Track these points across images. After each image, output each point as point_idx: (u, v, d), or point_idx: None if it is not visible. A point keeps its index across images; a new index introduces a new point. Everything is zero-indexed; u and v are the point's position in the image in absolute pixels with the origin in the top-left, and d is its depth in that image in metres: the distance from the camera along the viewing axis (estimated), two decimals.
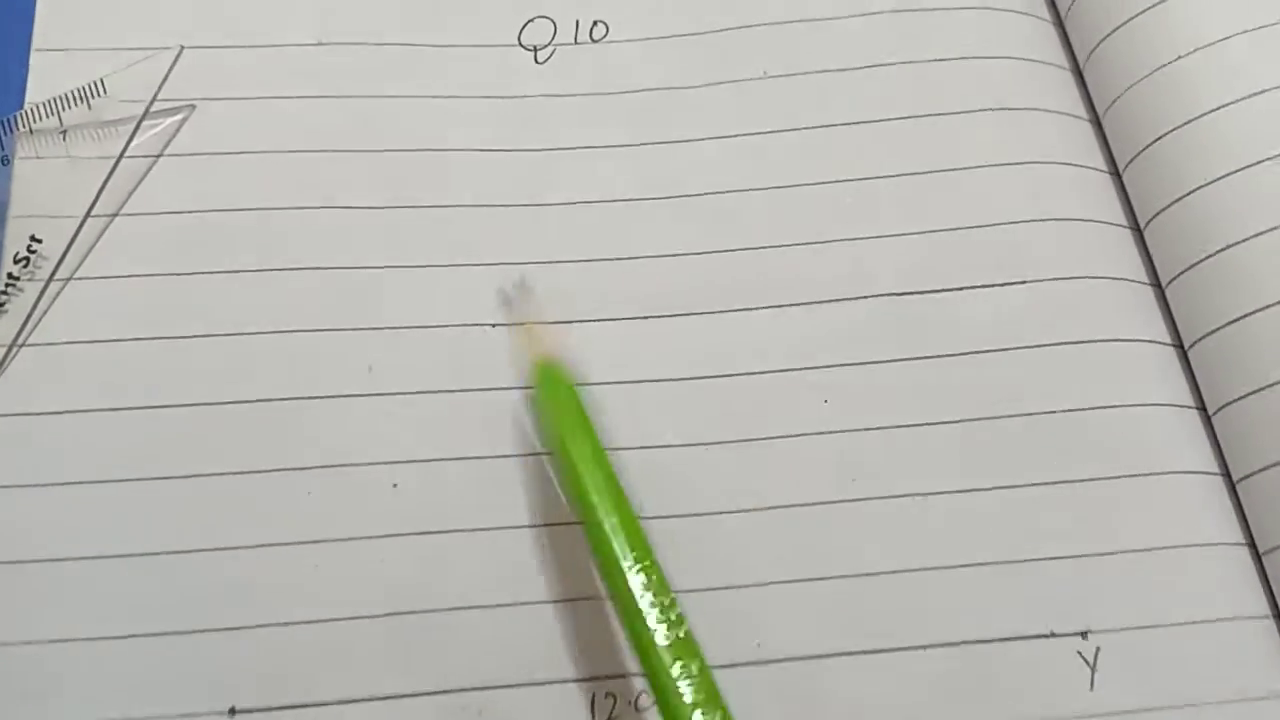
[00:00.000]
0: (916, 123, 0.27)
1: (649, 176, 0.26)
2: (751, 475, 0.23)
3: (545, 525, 0.23)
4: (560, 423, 0.21)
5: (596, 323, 0.25)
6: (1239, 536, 0.23)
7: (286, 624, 0.21)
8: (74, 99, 0.26)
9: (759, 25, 0.28)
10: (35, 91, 0.26)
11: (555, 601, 0.22)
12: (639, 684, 0.21)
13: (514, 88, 0.27)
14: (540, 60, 0.28)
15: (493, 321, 0.25)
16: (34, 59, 0.26)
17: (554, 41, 0.28)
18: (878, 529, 0.23)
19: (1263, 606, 0.23)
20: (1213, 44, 0.26)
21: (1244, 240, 0.24)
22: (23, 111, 0.25)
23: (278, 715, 0.21)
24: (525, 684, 0.21)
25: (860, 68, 0.28)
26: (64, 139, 0.25)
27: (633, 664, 0.21)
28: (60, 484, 0.22)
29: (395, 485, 0.23)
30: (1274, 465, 0.23)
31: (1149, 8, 0.26)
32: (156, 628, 0.21)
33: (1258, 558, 0.23)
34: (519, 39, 0.28)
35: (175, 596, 0.21)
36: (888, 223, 0.26)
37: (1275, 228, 0.24)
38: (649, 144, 0.27)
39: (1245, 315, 0.24)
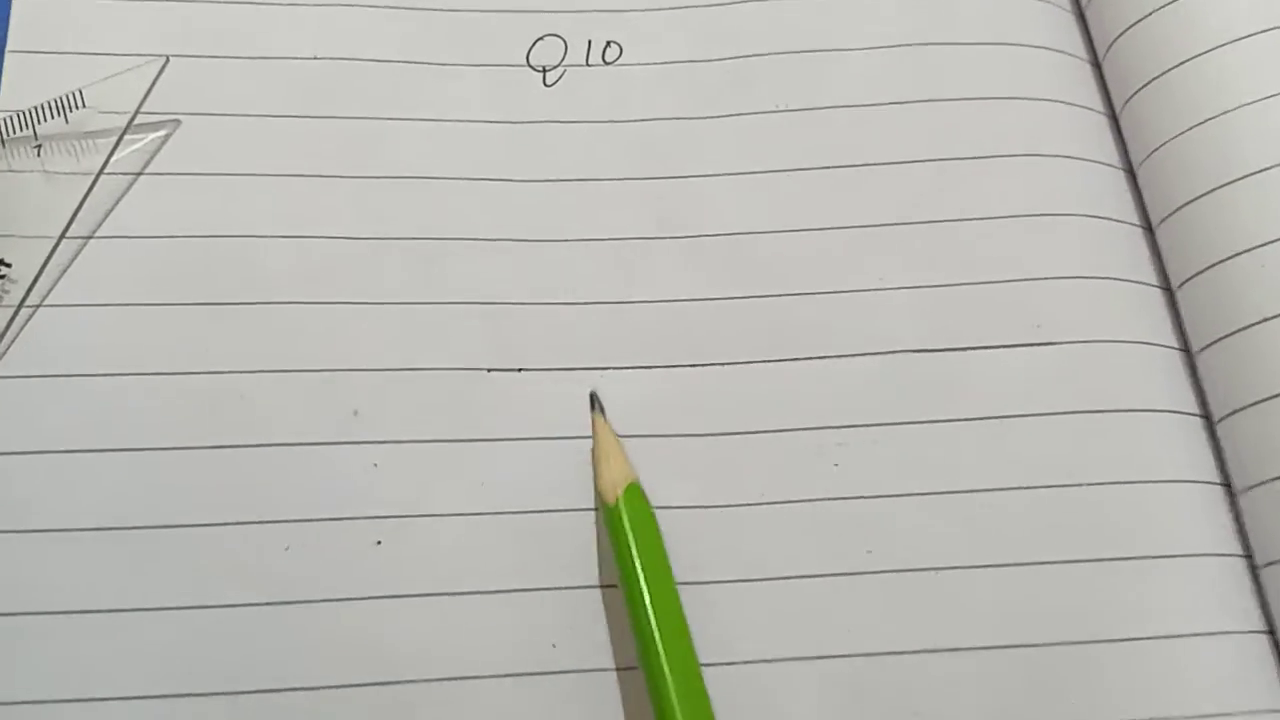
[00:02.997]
0: (940, 166, 0.26)
1: (657, 213, 0.25)
2: (754, 542, 0.22)
3: (545, 590, 0.21)
4: (636, 558, 0.20)
5: (595, 370, 0.23)
6: (1261, 625, 0.22)
7: (260, 692, 0.20)
8: (51, 110, 0.24)
9: (778, 54, 0.27)
10: (9, 99, 0.24)
11: (557, 673, 0.21)
12: None
13: (520, 111, 0.26)
14: (549, 82, 0.26)
15: (489, 366, 0.23)
16: (8, 62, 0.25)
17: (564, 62, 0.27)
18: (886, 606, 0.22)
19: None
20: (1257, 100, 0.24)
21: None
22: None
23: None
24: None
25: (881, 104, 0.26)
26: (39, 153, 0.24)
27: None
28: (26, 531, 0.21)
29: (379, 542, 0.22)
30: None
31: (1191, 58, 0.25)
32: (122, 692, 0.20)
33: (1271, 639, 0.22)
34: (527, 58, 0.27)
35: (142, 659, 0.20)
36: (908, 274, 0.25)
37: None
38: (658, 178, 0.25)
39: (1277, 394, 0.22)
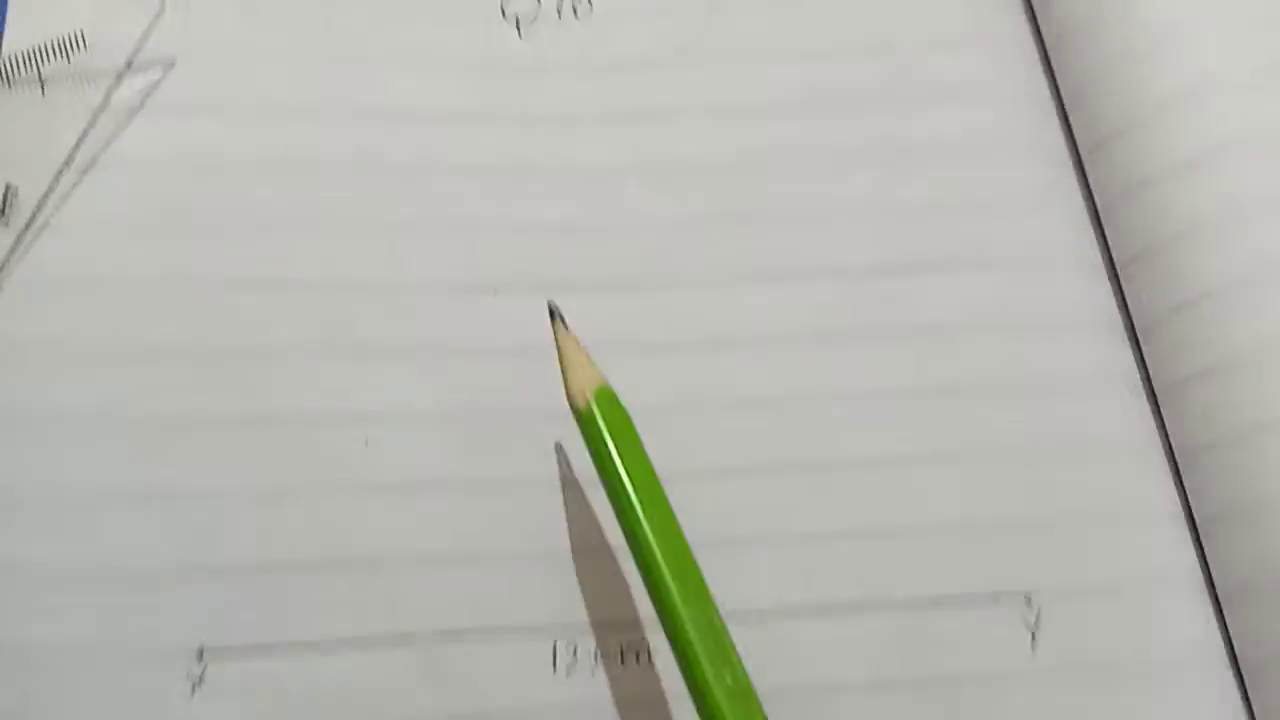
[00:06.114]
0: (889, 104, 0.28)
1: (626, 150, 0.27)
2: (716, 439, 0.24)
3: (515, 484, 0.23)
4: (615, 456, 0.20)
5: (566, 292, 0.25)
6: (1179, 508, 0.24)
7: (257, 568, 0.22)
8: (53, 50, 0.26)
9: (740, 4, 0.29)
10: (13, 42, 0.26)
11: (525, 558, 0.22)
12: (600, 636, 0.22)
13: (496, 59, 0.28)
14: (523, 34, 0.28)
15: (467, 284, 0.25)
16: (12, 6, 0.26)
17: (537, 15, 0.28)
18: (836, 491, 0.24)
19: (1197, 574, 0.23)
20: (1175, 27, 0.26)
21: (1193, 229, 0.25)
22: (1, 62, 0.25)
23: (246, 656, 0.21)
24: (490, 629, 0.22)
25: (838, 52, 0.28)
26: (43, 90, 0.26)
27: (597, 613, 0.22)
28: (33, 422, 0.23)
29: (367, 442, 0.23)
30: (1213, 445, 0.24)
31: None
32: (124, 564, 0.22)
33: (1194, 528, 0.24)
34: (501, 10, 0.28)
35: (144, 536, 0.22)
36: (861, 204, 0.26)
37: (1231, 219, 0.24)
38: (628, 118, 0.27)
39: (1193, 301, 0.25)
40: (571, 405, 0.21)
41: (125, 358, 0.23)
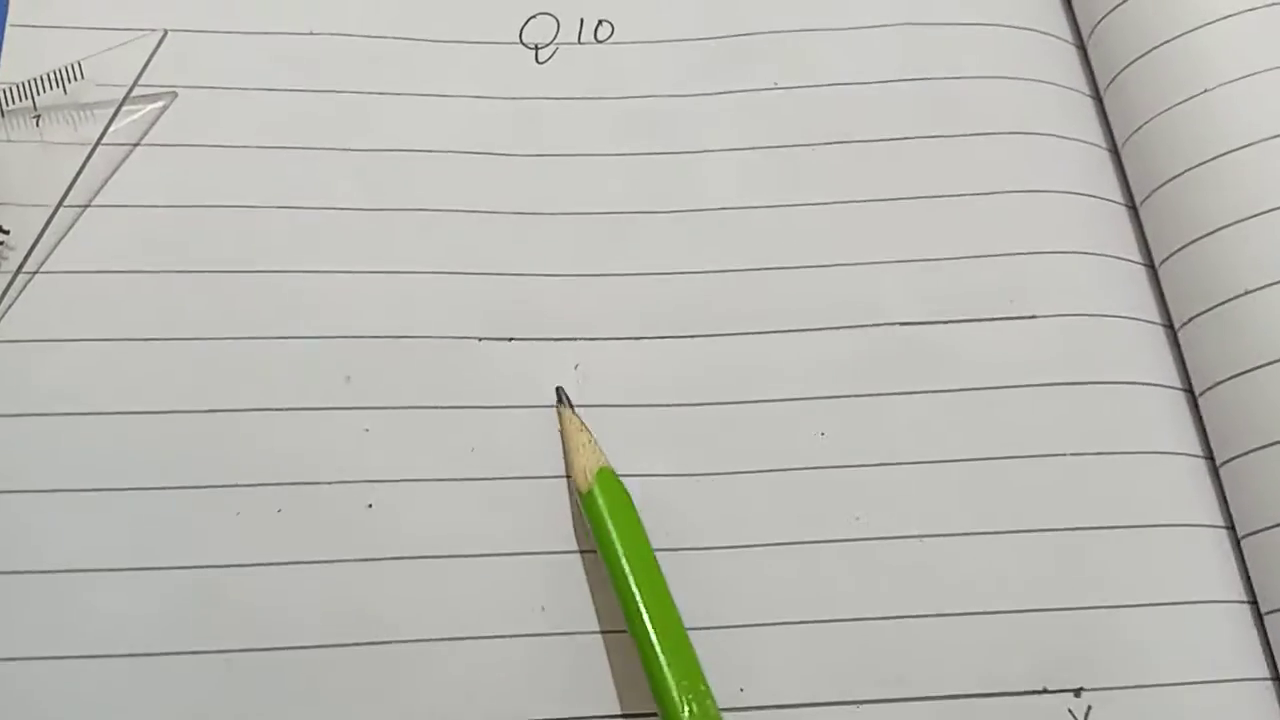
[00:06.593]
0: (929, 143, 0.26)
1: (648, 189, 0.25)
2: (742, 510, 0.22)
3: (533, 554, 0.22)
4: (616, 541, 0.21)
5: (584, 341, 0.24)
6: (1242, 594, 0.22)
7: (255, 650, 0.20)
8: (50, 81, 0.24)
9: (771, 33, 0.27)
10: (9, 71, 0.25)
11: (545, 635, 0.21)
12: None
13: (512, 88, 0.26)
14: (541, 60, 0.27)
15: (480, 335, 0.24)
16: (8, 35, 0.25)
17: (556, 40, 0.27)
18: (872, 572, 0.22)
19: (1262, 668, 0.22)
20: (1238, 79, 0.25)
21: (1262, 288, 0.23)
22: None
23: None
24: None
25: (871, 82, 0.27)
26: (38, 123, 0.24)
27: (624, 704, 0.20)
28: (19, 491, 0.21)
29: (370, 505, 0.22)
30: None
31: (1173, 38, 0.25)
32: (117, 649, 0.20)
33: (1259, 617, 0.22)
34: (520, 36, 0.27)
35: (136, 615, 0.20)
36: (895, 248, 0.25)
37: None
38: (650, 154, 0.26)
39: (1259, 366, 0.23)
40: (575, 486, 0.21)
41: (117, 416, 0.22)
